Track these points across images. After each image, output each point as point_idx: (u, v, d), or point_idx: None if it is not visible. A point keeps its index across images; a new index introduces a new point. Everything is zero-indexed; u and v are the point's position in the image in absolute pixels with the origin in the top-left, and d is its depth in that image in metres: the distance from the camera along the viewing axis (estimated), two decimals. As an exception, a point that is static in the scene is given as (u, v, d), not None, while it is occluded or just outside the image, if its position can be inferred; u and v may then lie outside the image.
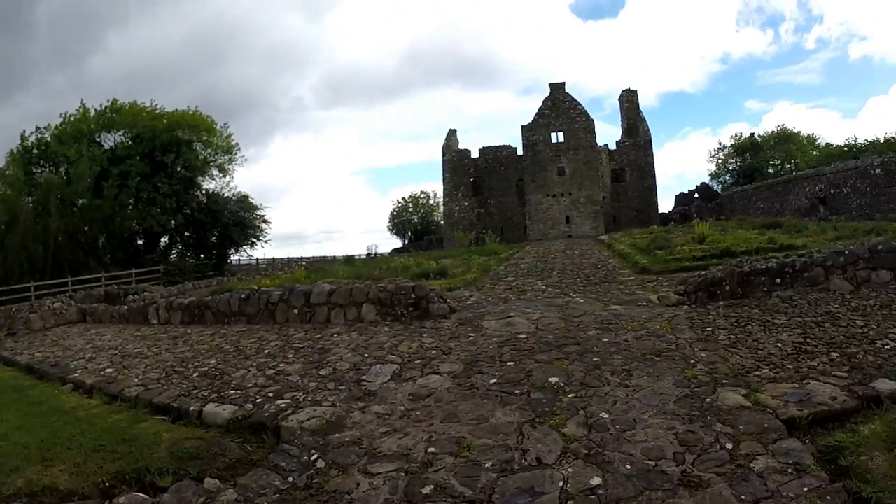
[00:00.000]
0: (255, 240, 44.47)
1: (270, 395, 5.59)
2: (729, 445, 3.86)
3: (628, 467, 3.68)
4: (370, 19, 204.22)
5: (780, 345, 6.12)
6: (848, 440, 3.73)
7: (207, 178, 44.02)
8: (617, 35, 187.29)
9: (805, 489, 3.27)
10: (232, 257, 46.09)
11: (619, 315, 8.05)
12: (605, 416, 4.48)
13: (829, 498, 3.18)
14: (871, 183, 24.48)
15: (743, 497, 3.24)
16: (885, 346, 5.82)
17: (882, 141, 35.59)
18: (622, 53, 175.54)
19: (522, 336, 7.12)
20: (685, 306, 8.56)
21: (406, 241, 64.31)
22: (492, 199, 48.80)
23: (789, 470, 3.48)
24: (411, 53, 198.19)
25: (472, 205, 49.06)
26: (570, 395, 4.96)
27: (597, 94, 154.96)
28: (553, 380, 5.37)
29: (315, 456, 4.17)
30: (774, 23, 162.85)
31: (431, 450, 4.09)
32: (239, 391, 5.82)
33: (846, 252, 9.54)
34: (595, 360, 5.94)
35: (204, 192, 43.48)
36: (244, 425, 4.91)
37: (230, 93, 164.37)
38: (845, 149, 40.21)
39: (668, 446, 3.92)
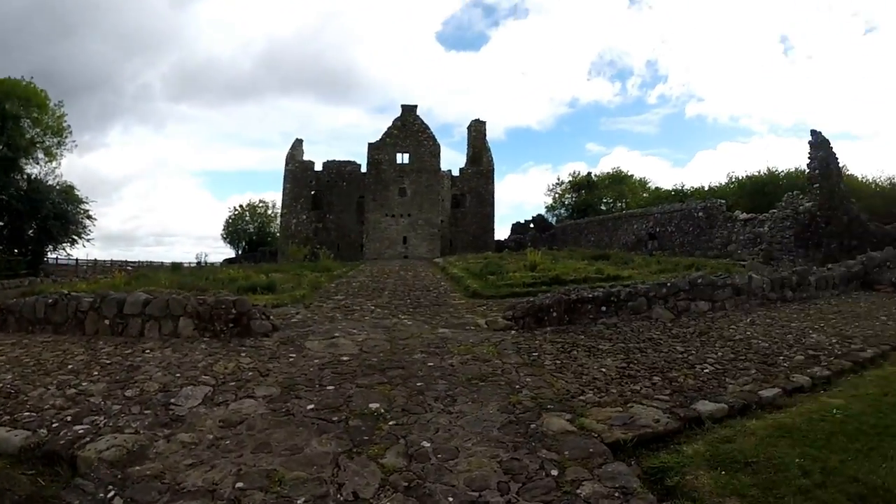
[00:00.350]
0: (76, 237, 40.75)
1: (69, 419, 5.10)
2: (554, 472, 3.85)
3: (451, 499, 3.53)
4: (234, 14, 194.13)
5: (604, 370, 6.50)
6: (673, 461, 3.92)
7: (31, 161, 39.45)
8: (476, 68, 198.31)
9: (633, 512, 3.31)
10: (49, 255, 41.87)
11: (446, 339, 8.11)
12: (427, 444, 4.33)
13: (657, 519, 3.24)
14: (694, 224, 28.26)
15: (570, 525, 3.18)
16: (704, 370, 6.46)
17: (706, 189, 41.25)
18: (478, 86, 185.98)
19: (345, 358, 6.93)
20: (513, 331, 8.88)
21: (239, 252, 61.62)
22: (331, 214, 48.51)
23: (616, 494, 3.52)
24: (270, 56, 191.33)
25: (311, 219, 48.38)
26: (390, 423, 4.79)
27: (448, 120, 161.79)
28: (374, 406, 5.19)
29: (112, 492, 3.79)
30: (623, 76, 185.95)
31: (240, 484, 3.82)
32: (35, 413, 5.26)
33: (668, 284, 10.64)
34: (419, 384, 5.85)
35: (25, 177, 38.96)
36: (37, 455, 4.46)
37: (72, 69, 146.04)
38: (672, 193, 46.01)
39: (492, 475, 3.82)
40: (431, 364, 6.63)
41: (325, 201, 48.73)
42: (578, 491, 3.57)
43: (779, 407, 5.29)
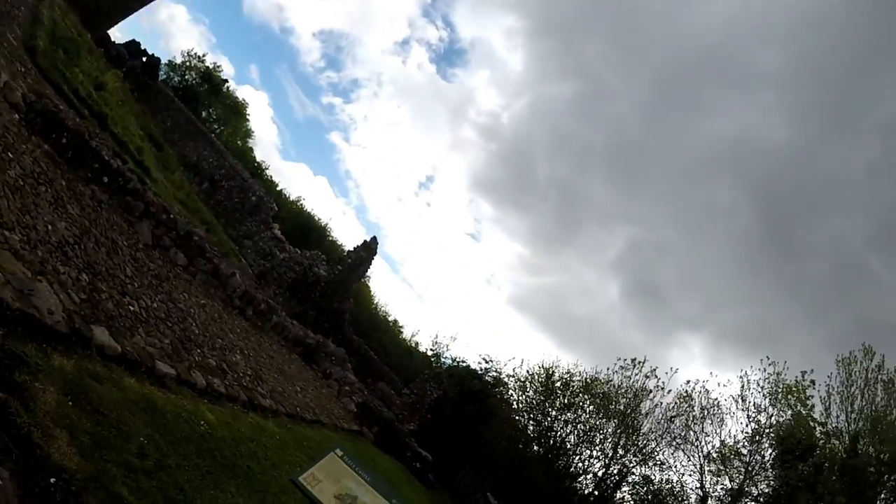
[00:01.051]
0: None
1: None
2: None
3: None
4: None
5: (52, 227, 5.67)
6: (35, 360, 3.61)
7: None
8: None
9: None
10: None
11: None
12: None
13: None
14: (242, 200, 28.48)
15: None
16: (131, 307, 6.17)
17: (279, 189, 41.50)
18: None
19: None
20: (19, 115, 7.54)
21: None
22: None
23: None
24: None
25: None
26: None
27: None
28: None
29: None
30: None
31: None
32: None
33: (171, 216, 10.27)
34: None
35: None
36: None
37: None
38: (256, 167, 44.73)
39: None
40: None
41: None
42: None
43: (163, 386, 5.37)
